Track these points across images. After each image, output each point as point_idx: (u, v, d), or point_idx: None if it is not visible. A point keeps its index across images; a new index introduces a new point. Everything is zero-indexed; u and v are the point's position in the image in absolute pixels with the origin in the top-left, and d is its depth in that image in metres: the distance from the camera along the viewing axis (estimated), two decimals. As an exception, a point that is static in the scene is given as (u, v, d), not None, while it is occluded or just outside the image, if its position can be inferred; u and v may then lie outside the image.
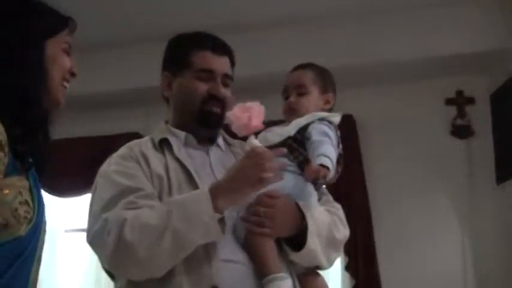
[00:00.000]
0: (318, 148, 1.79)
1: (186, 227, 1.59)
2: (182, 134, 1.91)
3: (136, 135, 4.68)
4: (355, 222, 3.40)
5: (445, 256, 4.12)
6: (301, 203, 1.78)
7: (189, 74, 1.92)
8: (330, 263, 1.89)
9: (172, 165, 1.81)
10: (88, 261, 4.70)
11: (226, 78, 1.95)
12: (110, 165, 1.83)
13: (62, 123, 5.30)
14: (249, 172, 1.63)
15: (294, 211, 1.77)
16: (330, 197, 1.99)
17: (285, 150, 1.74)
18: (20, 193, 1.40)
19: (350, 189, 4.03)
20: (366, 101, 4.37)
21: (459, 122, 4.30)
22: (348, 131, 4.16)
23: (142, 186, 1.73)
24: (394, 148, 4.33)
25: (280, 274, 1.69)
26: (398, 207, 4.20)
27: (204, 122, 1.90)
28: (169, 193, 1.75)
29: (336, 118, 1.98)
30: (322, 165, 1.71)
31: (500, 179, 4.04)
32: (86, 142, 4.83)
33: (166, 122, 1.98)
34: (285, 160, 1.80)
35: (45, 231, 1.54)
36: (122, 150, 1.89)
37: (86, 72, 4.68)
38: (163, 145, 1.88)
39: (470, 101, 4.31)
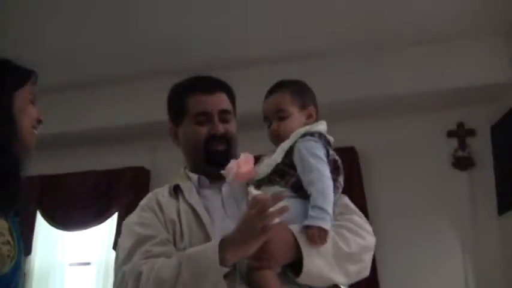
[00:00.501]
0: (312, 186, 1.80)
1: (195, 284, 1.63)
2: (195, 176, 1.97)
3: (142, 169, 4.76)
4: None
5: (448, 286, 4.12)
6: (294, 228, 1.77)
7: (188, 121, 1.98)
8: (351, 277, 1.87)
9: (184, 209, 1.87)
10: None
11: (225, 114, 1.98)
12: (131, 217, 1.91)
13: (68, 158, 5.28)
14: (252, 223, 1.64)
15: (289, 238, 1.77)
16: (348, 206, 2.00)
17: (285, 195, 1.73)
18: (2, 234, 1.50)
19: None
20: (368, 134, 4.43)
21: (460, 153, 4.34)
22: (350, 163, 4.21)
23: (157, 234, 1.80)
24: (396, 180, 4.37)
25: None
26: (401, 238, 4.21)
27: (212, 162, 1.94)
28: (182, 236, 1.81)
29: (320, 126, 1.95)
30: (317, 227, 1.74)
31: (502, 209, 4.06)
32: (92, 176, 4.88)
33: (185, 168, 2.04)
34: (278, 188, 1.83)
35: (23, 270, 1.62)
36: (143, 201, 1.97)
37: (92, 108, 4.77)
38: (177, 191, 1.94)
39: (471, 132, 4.37)
